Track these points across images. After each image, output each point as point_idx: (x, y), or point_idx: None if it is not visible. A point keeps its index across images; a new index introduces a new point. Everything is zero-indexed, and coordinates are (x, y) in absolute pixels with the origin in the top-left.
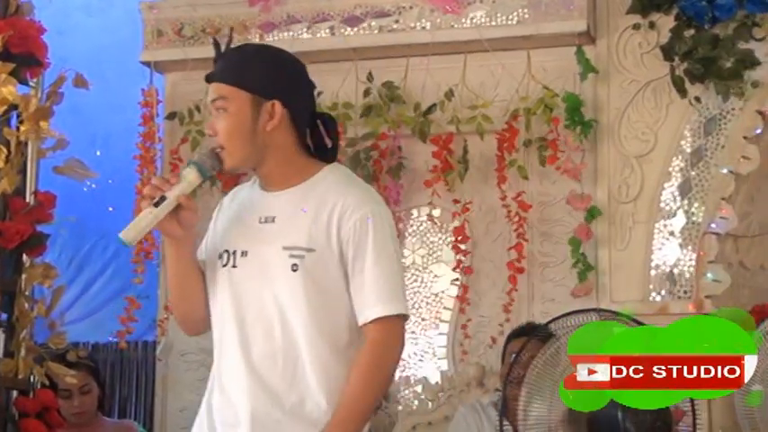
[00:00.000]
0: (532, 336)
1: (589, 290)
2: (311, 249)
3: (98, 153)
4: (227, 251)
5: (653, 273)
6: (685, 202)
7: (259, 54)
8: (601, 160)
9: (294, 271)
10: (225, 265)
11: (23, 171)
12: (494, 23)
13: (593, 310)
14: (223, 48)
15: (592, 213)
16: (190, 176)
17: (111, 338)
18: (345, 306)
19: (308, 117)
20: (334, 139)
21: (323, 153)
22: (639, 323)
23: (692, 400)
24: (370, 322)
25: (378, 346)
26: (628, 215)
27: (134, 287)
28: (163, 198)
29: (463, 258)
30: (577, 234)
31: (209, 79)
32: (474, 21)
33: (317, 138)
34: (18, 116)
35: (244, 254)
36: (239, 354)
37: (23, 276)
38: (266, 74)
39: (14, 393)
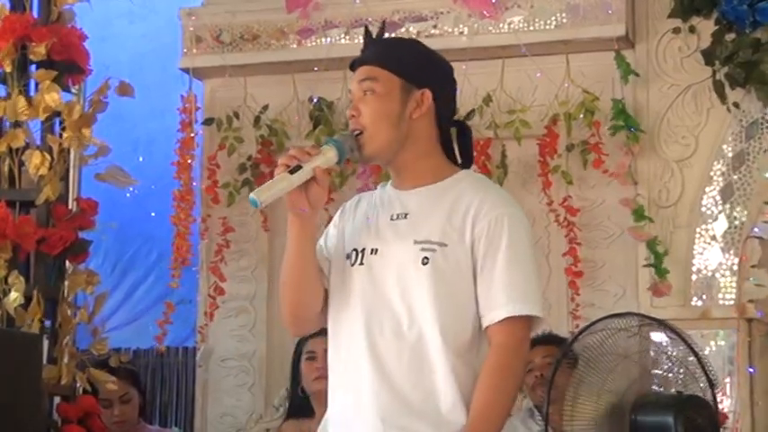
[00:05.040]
0: (566, 348)
1: (668, 289)
2: (443, 244)
3: (141, 159)
4: (355, 250)
5: (694, 277)
6: (727, 206)
7: (413, 44)
8: (640, 165)
9: (424, 264)
10: (353, 264)
11: (66, 178)
12: (532, 28)
13: (631, 314)
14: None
15: (639, 213)
16: (329, 153)
17: (154, 344)
18: (471, 305)
19: (449, 120)
20: (469, 148)
21: (454, 157)
22: (673, 329)
23: (714, 400)
24: (497, 323)
25: (505, 349)
26: (668, 220)
27: (175, 293)
28: (298, 167)
29: None
30: (634, 236)
31: (354, 65)
32: (512, 26)
33: (449, 143)
34: (61, 123)
35: (374, 251)
36: (366, 352)
37: (66, 283)
38: (420, 63)
39: (57, 399)
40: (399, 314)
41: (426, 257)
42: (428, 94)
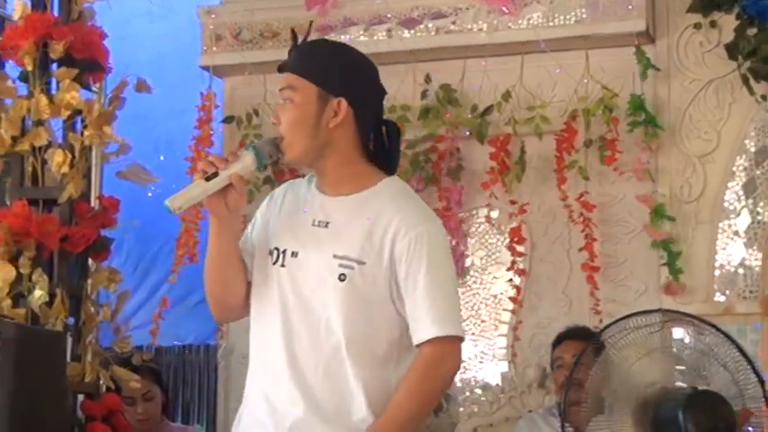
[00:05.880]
0: (591, 342)
1: (681, 290)
2: (362, 262)
3: (162, 158)
4: (277, 249)
5: (717, 273)
6: (750, 201)
7: (333, 50)
8: (662, 160)
9: (341, 281)
10: (274, 263)
11: (88, 176)
12: (551, 24)
13: (657, 311)
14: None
15: (658, 212)
16: (246, 159)
17: (175, 342)
18: (387, 320)
19: (374, 122)
20: (396, 148)
21: (383, 161)
22: (708, 323)
23: (766, 399)
24: (424, 342)
25: (427, 362)
26: (690, 215)
27: (199, 291)
28: (215, 174)
29: (518, 260)
30: (649, 234)
31: (281, 69)
32: (531, 21)
33: (379, 145)
34: (82, 121)
35: (294, 254)
36: (284, 356)
37: (89, 281)
38: (337, 70)
39: (81, 397)
40: (317, 322)
41: (344, 274)
42: (344, 103)
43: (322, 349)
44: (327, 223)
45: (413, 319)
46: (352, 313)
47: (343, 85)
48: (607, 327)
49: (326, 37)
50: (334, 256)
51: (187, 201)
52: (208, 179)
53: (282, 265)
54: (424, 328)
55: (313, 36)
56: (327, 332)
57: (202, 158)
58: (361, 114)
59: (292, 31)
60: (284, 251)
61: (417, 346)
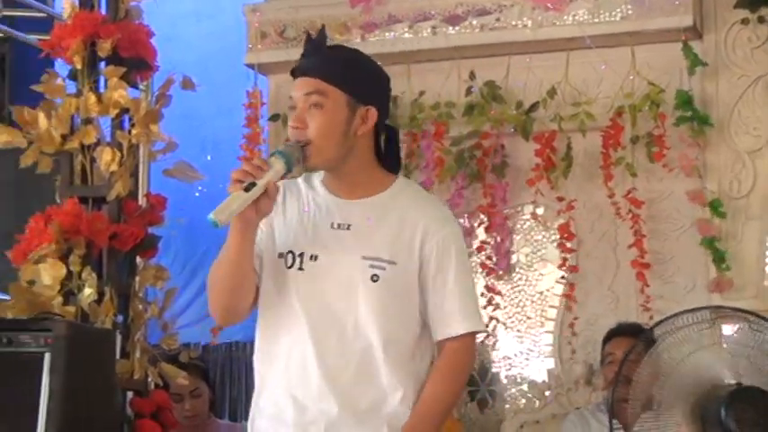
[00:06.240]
0: (640, 338)
1: (729, 286)
2: (393, 262)
3: (209, 158)
4: (291, 252)
5: None
6: None
7: (358, 58)
8: (710, 156)
9: (374, 281)
10: (290, 267)
11: (135, 174)
12: (596, 20)
13: (706, 308)
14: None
15: (714, 207)
16: (277, 166)
17: (222, 340)
18: (414, 319)
19: (383, 125)
20: (396, 151)
21: (389, 163)
22: (762, 317)
23: None
24: (452, 337)
25: (458, 356)
26: (740, 211)
27: None
28: (253, 184)
29: (568, 256)
30: (701, 230)
31: (298, 72)
32: (576, 18)
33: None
34: (130, 119)
35: (313, 257)
36: (313, 356)
37: (137, 278)
38: (366, 79)
39: (130, 394)
40: (345, 324)
41: (376, 275)
42: (373, 111)
43: (352, 349)
44: (349, 225)
45: (443, 314)
46: (385, 313)
47: (371, 94)
48: (658, 323)
49: (371, 35)
50: (364, 258)
51: (231, 212)
52: (246, 189)
53: (300, 269)
54: (455, 324)
55: (355, 33)
56: (356, 332)
57: (236, 168)
58: (381, 121)
59: (307, 34)
60: (301, 254)
61: (444, 340)
